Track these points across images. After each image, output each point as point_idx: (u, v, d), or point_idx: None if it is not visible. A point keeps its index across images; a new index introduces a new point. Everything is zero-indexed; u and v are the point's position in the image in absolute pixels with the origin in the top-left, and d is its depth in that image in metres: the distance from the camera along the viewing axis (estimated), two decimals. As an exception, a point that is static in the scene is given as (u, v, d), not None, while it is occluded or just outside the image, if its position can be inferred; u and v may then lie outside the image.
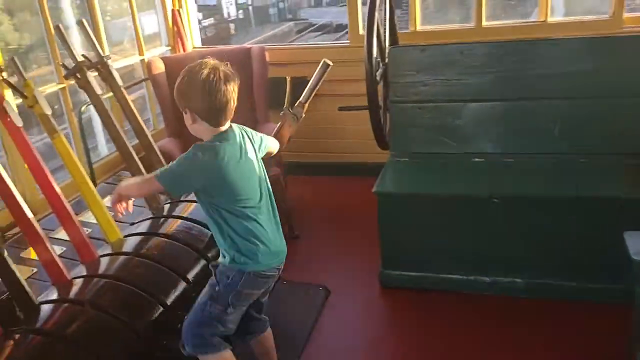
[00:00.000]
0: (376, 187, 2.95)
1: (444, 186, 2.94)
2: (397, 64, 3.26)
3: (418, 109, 3.27)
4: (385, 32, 3.53)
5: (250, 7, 34.32)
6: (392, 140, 3.36)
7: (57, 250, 2.53)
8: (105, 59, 2.88)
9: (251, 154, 1.95)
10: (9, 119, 2.28)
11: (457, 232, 2.86)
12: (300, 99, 2.36)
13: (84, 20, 2.84)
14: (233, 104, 1.85)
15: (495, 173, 2.98)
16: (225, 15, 31.72)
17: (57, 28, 2.74)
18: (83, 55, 2.91)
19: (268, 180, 2.04)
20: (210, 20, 29.23)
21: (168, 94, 3.92)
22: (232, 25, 30.19)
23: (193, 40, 4.55)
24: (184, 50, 4.38)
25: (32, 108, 2.48)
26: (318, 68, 2.32)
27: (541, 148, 3.02)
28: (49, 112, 2.47)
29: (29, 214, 2.23)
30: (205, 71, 1.79)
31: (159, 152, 3.02)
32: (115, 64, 3.93)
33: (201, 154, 1.82)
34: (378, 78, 3.28)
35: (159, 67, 3.88)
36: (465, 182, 2.95)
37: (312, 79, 2.34)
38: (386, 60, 3.34)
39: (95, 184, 3.41)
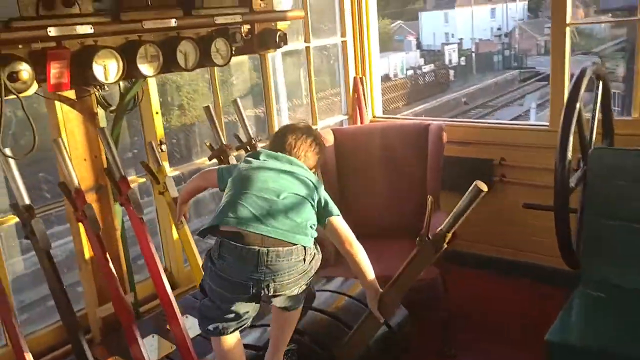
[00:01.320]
0: (551, 333, 2.23)
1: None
2: (602, 169, 2.51)
3: (628, 230, 2.47)
4: (592, 122, 2.80)
5: (473, 54, 33.84)
6: (584, 264, 2.59)
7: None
8: (253, 140, 2.71)
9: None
10: (131, 207, 2.19)
11: None
12: (442, 226, 1.85)
13: (237, 100, 2.70)
14: (297, 151, 2.02)
15: None
16: (447, 61, 31.71)
17: (206, 108, 2.64)
18: (235, 135, 2.79)
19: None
20: (431, 66, 29.52)
21: (334, 169, 3.66)
22: (452, 72, 30.02)
23: (374, 110, 4.25)
24: (362, 120, 4.10)
25: (163, 195, 2.38)
26: (468, 192, 1.78)
27: None
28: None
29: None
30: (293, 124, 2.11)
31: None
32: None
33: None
34: (574, 184, 2.57)
35: (328, 140, 3.64)
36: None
37: (459, 204, 1.81)
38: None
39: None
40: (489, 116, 23.63)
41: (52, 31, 1.67)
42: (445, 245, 1.85)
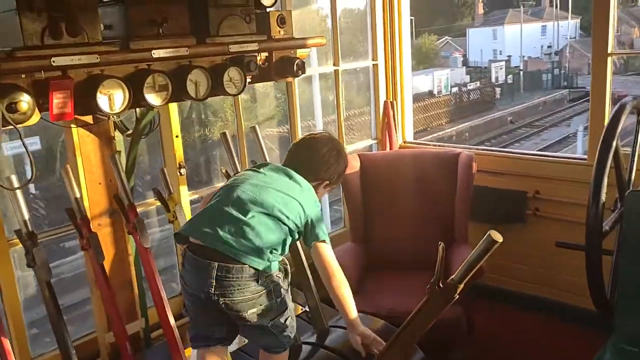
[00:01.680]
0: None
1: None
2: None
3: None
4: (632, 160, 2.61)
5: (521, 72, 33.12)
6: (618, 314, 2.39)
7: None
8: (271, 168, 2.64)
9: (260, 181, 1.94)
10: (138, 237, 2.15)
11: None
12: (453, 276, 1.72)
13: (256, 127, 2.65)
14: (307, 164, 2.03)
15: None
16: (493, 79, 31.12)
17: (223, 135, 2.59)
18: (252, 161, 2.73)
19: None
20: (476, 84, 29.03)
21: (359, 195, 3.56)
22: (498, 90, 29.43)
23: (404, 134, 4.13)
24: (391, 145, 3.99)
25: (172, 223, 2.33)
26: (481, 241, 1.65)
27: None
28: (186, 230, 2.28)
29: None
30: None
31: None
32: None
33: None
34: (608, 227, 2.38)
35: (354, 166, 3.54)
36: None
37: (472, 254, 1.68)
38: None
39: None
40: (536, 136, 23.04)
41: (55, 61, 1.65)
42: (457, 296, 1.73)
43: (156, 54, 1.89)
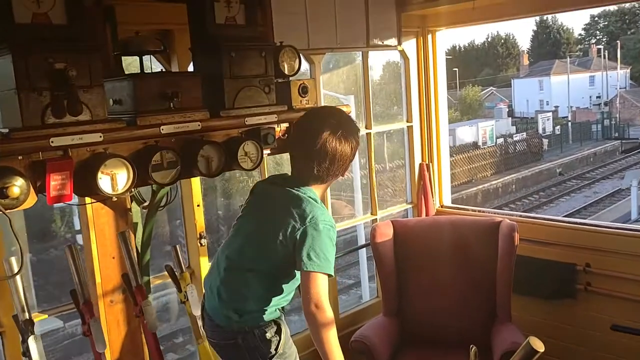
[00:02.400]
0: None
1: None
2: None
3: None
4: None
5: (569, 123, 32.37)
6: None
7: None
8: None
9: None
10: (145, 321, 2.00)
11: None
12: (487, 387, 1.48)
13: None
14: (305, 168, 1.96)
15: None
16: (540, 130, 30.48)
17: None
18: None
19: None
20: (523, 135, 28.46)
21: (392, 265, 3.34)
22: (545, 141, 28.74)
23: (442, 198, 3.91)
24: (427, 209, 3.77)
25: (184, 304, 2.17)
26: (520, 349, 1.42)
27: None
28: (197, 314, 2.13)
29: None
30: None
31: None
32: (342, 223, 3.63)
33: None
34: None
35: (386, 234, 3.34)
36: None
37: (508, 362, 1.45)
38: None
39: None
40: (587, 188, 22.20)
41: (54, 141, 1.56)
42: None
43: (165, 129, 1.78)
